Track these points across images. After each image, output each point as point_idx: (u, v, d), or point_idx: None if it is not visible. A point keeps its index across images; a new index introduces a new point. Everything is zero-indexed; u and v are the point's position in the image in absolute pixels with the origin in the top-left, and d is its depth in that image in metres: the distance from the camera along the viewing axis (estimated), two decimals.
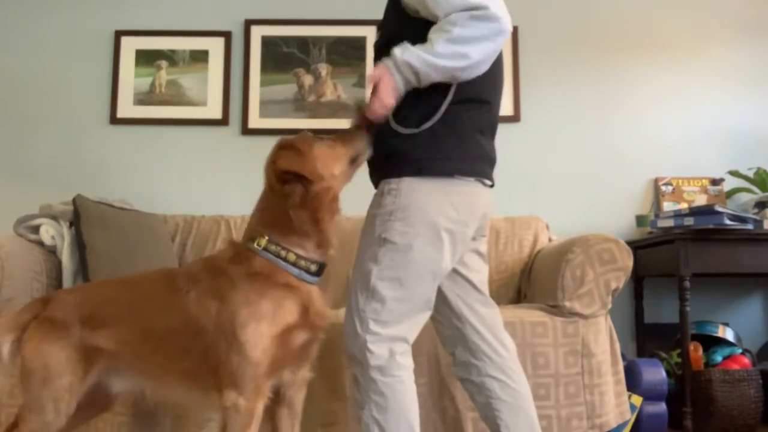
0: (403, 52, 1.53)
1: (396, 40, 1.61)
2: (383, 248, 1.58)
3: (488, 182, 1.68)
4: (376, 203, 1.65)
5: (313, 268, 1.59)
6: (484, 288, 1.79)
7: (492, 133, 1.73)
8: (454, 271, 1.71)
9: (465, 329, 1.74)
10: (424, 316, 1.65)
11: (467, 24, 1.48)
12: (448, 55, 1.50)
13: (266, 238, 1.57)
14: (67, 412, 1.61)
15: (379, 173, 1.68)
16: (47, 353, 1.60)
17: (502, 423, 1.70)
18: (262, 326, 1.50)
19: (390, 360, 1.56)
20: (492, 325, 1.75)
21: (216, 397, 1.53)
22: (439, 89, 1.58)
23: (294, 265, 1.56)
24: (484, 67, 1.56)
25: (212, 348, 1.52)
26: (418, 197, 1.58)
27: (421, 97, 1.59)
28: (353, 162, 1.64)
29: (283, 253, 1.56)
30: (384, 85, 1.54)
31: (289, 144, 1.59)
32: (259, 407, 1.53)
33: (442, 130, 1.59)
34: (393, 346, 1.57)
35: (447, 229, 1.59)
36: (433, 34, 1.53)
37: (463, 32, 1.49)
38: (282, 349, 1.52)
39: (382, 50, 1.69)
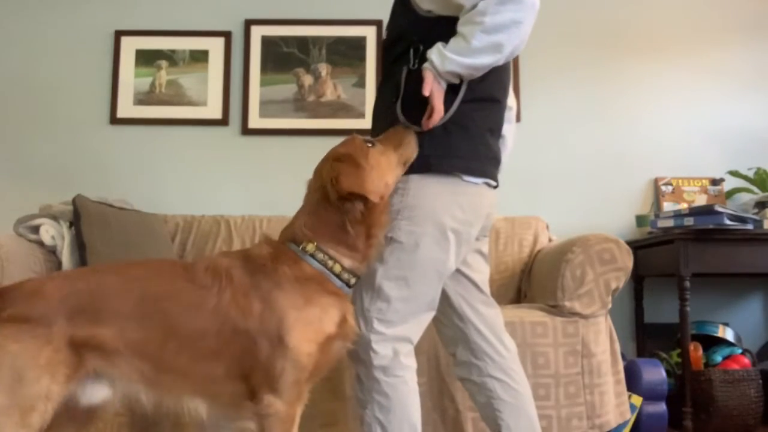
0: (443, 61, 1.50)
1: (404, 39, 1.60)
2: (389, 247, 1.56)
3: (494, 183, 1.68)
4: None
5: (353, 281, 1.55)
6: (486, 288, 1.79)
7: (499, 132, 1.72)
8: (457, 271, 1.71)
9: (467, 329, 1.73)
10: (429, 317, 1.64)
11: (497, 10, 1.46)
12: (485, 49, 1.48)
13: (314, 244, 1.52)
14: (39, 424, 1.36)
15: None
16: (19, 355, 1.35)
17: (503, 423, 1.69)
18: (309, 332, 1.46)
19: (394, 360, 1.55)
20: (493, 326, 1.75)
21: (245, 406, 1.46)
22: (450, 87, 1.56)
23: (338, 276, 1.52)
24: (518, 51, 1.55)
25: (250, 351, 1.44)
26: (425, 196, 1.56)
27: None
28: (404, 165, 1.58)
29: (330, 263, 1.51)
30: (437, 95, 1.53)
31: (347, 157, 1.52)
32: (299, 413, 1.50)
33: (453, 129, 1.58)
34: (397, 346, 1.57)
35: (453, 229, 1.58)
36: (464, 27, 1.50)
37: (494, 20, 1.45)
38: (323, 357, 1.49)
39: (390, 49, 1.68)
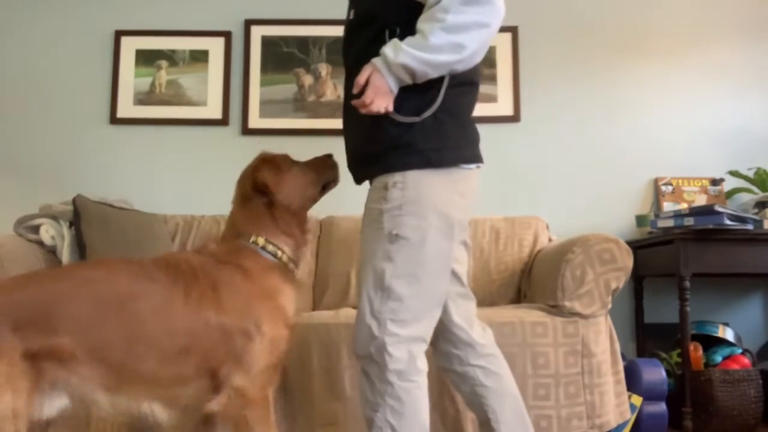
0: (396, 53, 1.44)
1: (376, 21, 1.55)
2: (395, 245, 1.52)
3: (482, 164, 1.67)
4: (380, 198, 1.57)
5: (293, 267, 1.69)
6: (466, 280, 1.77)
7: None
8: None
9: (446, 320, 1.70)
10: (439, 312, 1.62)
11: (461, 9, 1.42)
12: (444, 47, 1.43)
13: (263, 237, 1.64)
14: None
15: (377, 166, 1.58)
16: None
17: (488, 409, 1.69)
18: (282, 318, 1.56)
19: (409, 364, 1.52)
20: (470, 317, 1.75)
21: (213, 401, 1.45)
22: (439, 79, 1.54)
23: (285, 263, 1.66)
24: (480, 57, 1.52)
25: (222, 344, 1.46)
26: (426, 188, 1.53)
27: (424, 86, 1.52)
28: (323, 188, 1.79)
29: (279, 253, 1.65)
30: (375, 89, 1.47)
31: (271, 159, 1.74)
32: (271, 396, 1.56)
33: (445, 118, 1.55)
34: (412, 348, 1.53)
35: (457, 218, 1.58)
36: (424, 24, 1.45)
37: (457, 19, 1.41)
38: (288, 342, 1.59)
39: (356, 31, 1.62)
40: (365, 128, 1.58)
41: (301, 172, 1.75)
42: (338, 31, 3.43)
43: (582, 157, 3.37)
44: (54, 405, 1.39)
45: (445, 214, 1.55)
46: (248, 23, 3.44)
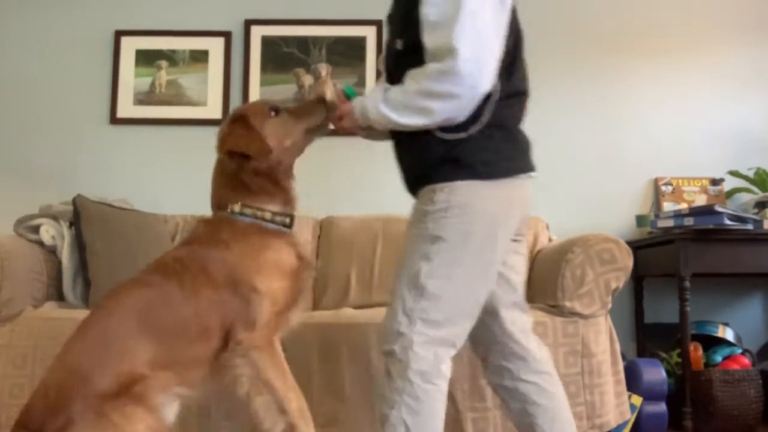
0: (375, 106, 1.53)
1: (419, 53, 1.54)
2: (436, 246, 1.51)
3: (534, 174, 1.65)
4: (427, 200, 1.56)
5: (287, 221, 1.68)
6: (522, 290, 1.75)
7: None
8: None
9: (499, 330, 1.68)
10: (473, 321, 1.58)
11: (438, 78, 1.44)
12: (413, 111, 1.49)
13: (239, 203, 1.65)
14: None
15: (424, 181, 1.59)
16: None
17: (538, 429, 1.64)
18: (274, 270, 1.59)
19: (434, 366, 1.50)
20: (525, 329, 1.71)
21: (229, 358, 1.54)
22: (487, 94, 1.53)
23: (272, 222, 1.65)
24: (459, 119, 1.51)
25: (229, 312, 1.54)
26: (474, 196, 1.53)
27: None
28: (310, 131, 1.70)
29: (259, 213, 1.65)
30: (350, 124, 1.62)
31: (241, 118, 1.67)
32: (278, 342, 1.60)
33: (494, 131, 1.55)
34: (439, 351, 1.51)
35: (501, 227, 1.56)
36: (408, 79, 1.51)
37: (431, 86, 1.45)
38: (294, 287, 1.62)
39: (404, 56, 1.59)
40: (414, 149, 1.59)
41: (279, 123, 1.68)
42: (338, 31, 3.47)
43: (582, 157, 3.37)
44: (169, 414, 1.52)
45: (490, 223, 1.54)
46: (248, 23, 3.44)
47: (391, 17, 1.73)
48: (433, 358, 1.50)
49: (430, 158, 1.55)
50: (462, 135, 1.53)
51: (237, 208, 1.65)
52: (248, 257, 1.58)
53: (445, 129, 1.52)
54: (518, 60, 1.64)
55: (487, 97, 1.52)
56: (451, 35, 1.42)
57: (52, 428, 1.36)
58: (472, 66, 1.42)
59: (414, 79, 1.49)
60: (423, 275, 1.51)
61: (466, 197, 1.52)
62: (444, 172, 1.54)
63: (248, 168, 1.64)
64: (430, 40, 1.48)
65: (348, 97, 1.71)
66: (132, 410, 1.40)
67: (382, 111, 1.52)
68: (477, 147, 1.53)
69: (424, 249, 1.53)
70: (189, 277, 1.55)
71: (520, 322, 1.71)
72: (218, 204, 1.70)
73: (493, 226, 1.54)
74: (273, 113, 1.68)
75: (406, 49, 1.58)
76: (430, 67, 1.46)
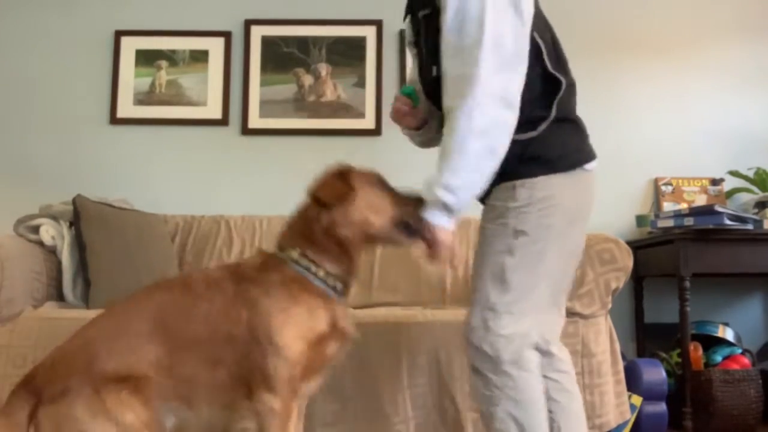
0: (446, 197, 1.45)
1: None
2: (519, 240, 1.53)
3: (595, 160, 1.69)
4: (507, 197, 1.57)
5: (339, 286, 1.59)
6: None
7: None
8: None
9: None
10: (556, 310, 1.62)
11: (468, 130, 1.42)
12: (476, 162, 1.44)
13: (298, 250, 1.58)
14: None
15: (500, 179, 1.57)
16: (90, 415, 1.40)
17: (554, 425, 1.64)
18: (298, 330, 1.51)
19: (524, 355, 1.53)
20: (557, 330, 1.72)
21: (246, 406, 1.51)
22: (548, 90, 1.56)
23: (323, 281, 1.57)
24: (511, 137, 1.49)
25: (244, 356, 1.50)
26: (554, 189, 1.56)
27: (533, 100, 1.53)
28: (398, 227, 1.56)
29: (313, 267, 1.57)
30: (445, 244, 1.51)
31: (344, 172, 1.60)
32: (295, 409, 1.54)
33: (563, 124, 1.58)
34: (525, 341, 1.54)
35: (579, 217, 1.60)
36: (448, 155, 1.45)
37: (476, 122, 1.42)
38: (316, 355, 1.53)
39: (439, 82, 1.57)
40: None
41: (375, 196, 1.58)
42: (338, 31, 3.47)
43: None
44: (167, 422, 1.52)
45: (570, 214, 1.58)
46: (248, 23, 3.44)
47: (425, 43, 1.68)
48: (521, 348, 1.53)
49: (507, 159, 1.53)
50: (533, 134, 1.56)
51: (294, 254, 1.58)
52: (279, 308, 1.52)
53: (516, 131, 1.52)
54: (561, 52, 1.67)
55: (554, 94, 1.57)
56: (474, 61, 1.42)
57: (50, 393, 1.41)
58: (497, 90, 1.43)
59: (451, 149, 1.45)
60: (508, 269, 1.53)
61: (546, 192, 1.55)
62: (523, 170, 1.57)
63: (326, 220, 1.56)
64: (452, 66, 1.47)
65: (408, 96, 1.73)
66: (127, 398, 1.42)
67: (460, 195, 1.46)
68: (551, 142, 1.57)
69: (507, 243, 1.55)
70: (219, 302, 1.52)
71: (552, 321, 1.71)
72: (280, 244, 1.63)
73: (572, 217, 1.58)
74: (379, 185, 1.60)
75: (440, 78, 1.57)
76: (459, 123, 1.43)
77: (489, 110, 1.43)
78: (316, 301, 1.55)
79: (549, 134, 1.56)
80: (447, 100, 1.50)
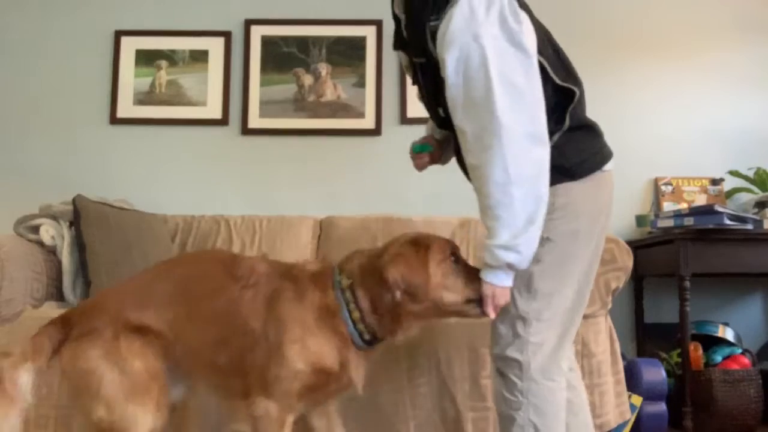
0: (509, 258, 1.40)
1: None
2: (545, 248, 1.50)
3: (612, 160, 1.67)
4: None
5: (367, 337, 1.55)
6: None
7: None
8: None
9: None
10: (582, 312, 1.62)
11: (511, 176, 1.37)
12: (523, 210, 1.39)
13: (350, 282, 1.54)
14: (165, 402, 1.51)
15: None
16: (104, 357, 1.48)
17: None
18: (307, 353, 1.48)
19: (553, 363, 1.53)
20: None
21: (240, 406, 1.51)
22: (560, 102, 1.54)
23: (354, 322, 1.53)
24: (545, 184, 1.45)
25: (250, 350, 1.50)
26: (577, 195, 1.55)
27: (548, 114, 1.48)
28: (470, 304, 1.51)
29: (351, 305, 1.53)
30: (498, 302, 1.47)
31: (418, 248, 1.52)
32: (290, 420, 1.52)
33: (577, 132, 1.57)
34: (555, 349, 1.54)
35: (601, 220, 1.60)
36: (496, 212, 1.41)
37: (518, 173, 1.37)
38: (314, 386, 1.51)
39: (448, 121, 1.55)
40: None
41: (452, 275, 1.52)
42: (338, 31, 3.47)
43: None
44: (174, 391, 1.58)
45: (593, 217, 1.57)
46: (248, 23, 3.44)
47: (424, 85, 1.65)
48: (550, 356, 1.53)
49: None
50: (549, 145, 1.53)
51: (345, 283, 1.54)
52: (300, 325, 1.50)
53: None
54: (567, 61, 1.64)
55: (567, 104, 1.55)
56: (491, 111, 1.38)
57: (77, 332, 1.53)
58: (524, 130, 1.39)
59: (495, 205, 1.41)
60: (536, 277, 1.52)
61: (568, 197, 1.54)
62: None
63: (392, 297, 1.49)
64: (467, 122, 1.43)
65: (421, 151, 1.77)
66: (140, 348, 1.50)
67: (524, 257, 1.42)
68: (566, 151, 1.54)
69: None
70: (251, 293, 1.53)
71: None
72: (342, 265, 1.58)
73: (595, 221, 1.58)
74: (452, 260, 1.53)
75: (448, 117, 1.54)
76: (494, 178, 1.38)
77: (522, 154, 1.38)
78: (335, 339, 1.52)
79: (565, 143, 1.54)
80: (472, 159, 1.45)
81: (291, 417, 1.53)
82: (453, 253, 1.55)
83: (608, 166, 1.63)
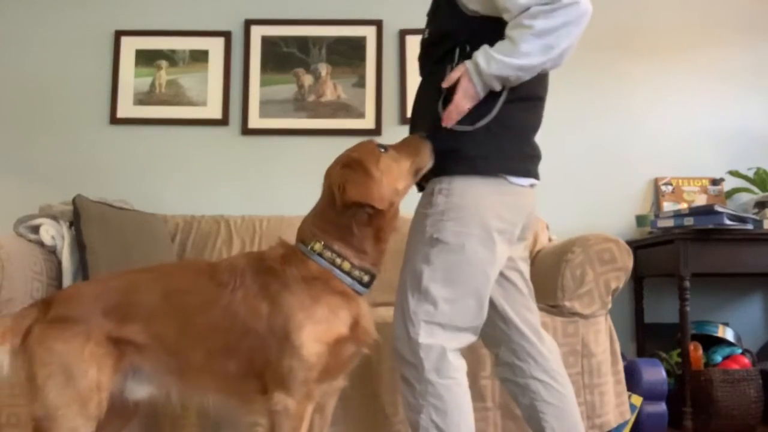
0: (488, 62, 1.47)
1: (448, 39, 1.58)
2: (435, 248, 1.53)
3: (537, 182, 1.65)
4: (426, 203, 1.60)
5: (366, 278, 1.55)
6: (528, 291, 1.76)
7: (538, 129, 1.70)
8: (500, 273, 1.66)
9: (509, 330, 1.69)
10: (478, 321, 1.59)
11: (549, 15, 1.44)
12: (536, 51, 1.45)
13: (322, 243, 1.53)
14: (97, 414, 1.49)
15: (429, 171, 1.61)
16: (65, 353, 1.48)
17: (547, 425, 1.66)
18: (317, 331, 1.47)
19: (444, 361, 1.52)
20: (535, 329, 1.72)
21: (259, 401, 1.50)
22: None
23: (348, 274, 1.53)
24: (570, 53, 1.52)
25: (260, 350, 1.48)
26: (471, 197, 1.54)
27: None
28: (416, 174, 1.57)
29: (338, 260, 1.53)
30: (464, 92, 1.51)
31: (357, 163, 1.52)
32: (309, 410, 1.51)
33: (498, 129, 1.55)
34: (447, 350, 1.53)
35: (499, 230, 1.56)
36: (513, 31, 1.47)
37: (546, 24, 1.44)
38: (333, 357, 1.50)
39: (432, 48, 1.65)
40: (429, 138, 1.60)
41: (392, 161, 1.54)
42: (338, 31, 3.47)
43: (582, 157, 3.37)
44: (139, 389, 1.57)
45: (487, 225, 1.54)
46: (248, 23, 3.44)
47: (429, 17, 1.76)
48: (441, 356, 1.51)
49: (438, 149, 1.56)
50: (468, 128, 1.54)
51: (317, 247, 1.53)
52: (299, 307, 1.48)
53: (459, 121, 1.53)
54: None
55: (498, 96, 1.54)
56: None
57: (53, 314, 1.53)
58: None
59: (520, 26, 1.46)
60: (425, 278, 1.53)
61: (463, 199, 1.53)
62: (445, 164, 1.56)
63: (359, 216, 1.51)
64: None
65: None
66: (102, 358, 1.49)
67: (503, 61, 1.46)
68: (479, 142, 1.54)
69: (424, 252, 1.55)
70: (240, 293, 1.52)
71: (530, 322, 1.72)
72: (301, 237, 1.58)
73: (489, 228, 1.54)
74: (382, 151, 1.56)
75: (432, 38, 1.63)
76: (537, 8, 1.44)
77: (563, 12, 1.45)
78: (338, 300, 1.51)
79: (482, 133, 1.54)
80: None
81: (310, 407, 1.52)
82: (378, 145, 1.57)
83: (519, 181, 1.58)
